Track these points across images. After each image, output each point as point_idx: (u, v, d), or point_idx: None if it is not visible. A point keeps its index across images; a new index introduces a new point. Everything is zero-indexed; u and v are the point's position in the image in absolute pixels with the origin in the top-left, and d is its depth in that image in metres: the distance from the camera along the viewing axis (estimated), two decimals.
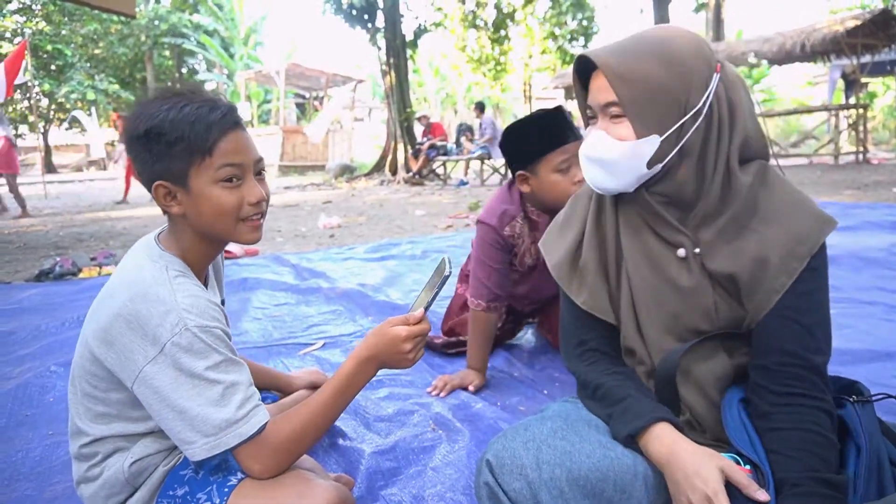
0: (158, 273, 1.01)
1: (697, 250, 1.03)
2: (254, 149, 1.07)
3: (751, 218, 1.01)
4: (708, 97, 0.98)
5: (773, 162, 1.06)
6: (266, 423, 1.01)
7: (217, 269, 1.25)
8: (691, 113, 0.98)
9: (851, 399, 1.01)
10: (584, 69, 1.05)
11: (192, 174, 1.01)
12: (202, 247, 1.09)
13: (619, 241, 1.11)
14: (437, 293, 1.08)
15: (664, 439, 0.96)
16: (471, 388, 1.83)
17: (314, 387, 1.56)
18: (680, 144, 0.99)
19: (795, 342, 0.97)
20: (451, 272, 1.06)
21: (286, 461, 1.04)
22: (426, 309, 1.09)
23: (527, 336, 2.37)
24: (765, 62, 12.58)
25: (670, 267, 1.05)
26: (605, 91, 1.00)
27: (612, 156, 1.01)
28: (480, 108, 11.60)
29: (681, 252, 1.04)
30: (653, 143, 0.98)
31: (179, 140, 0.99)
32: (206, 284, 1.16)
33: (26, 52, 9.89)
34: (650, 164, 1.00)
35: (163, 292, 0.98)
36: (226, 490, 1.05)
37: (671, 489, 0.94)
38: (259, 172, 1.08)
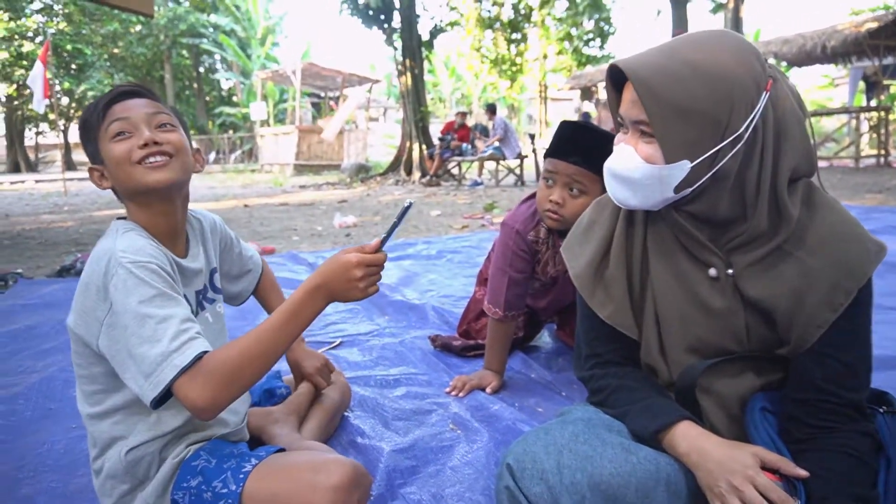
0: (110, 236, 1.08)
1: (730, 271, 0.99)
2: (148, 106, 1.10)
3: (794, 246, 0.95)
4: (752, 121, 0.90)
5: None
6: (203, 353, 0.96)
7: (205, 238, 1.28)
8: (730, 139, 0.90)
9: (881, 410, 0.99)
10: (619, 74, 0.98)
11: (100, 148, 1.10)
12: (142, 213, 1.13)
13: (645, 257, 1.07)
14: (396, 224, 1.02)
15: (690, 434, 0.95)
16: (488, 389, 1.82)
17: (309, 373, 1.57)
18: (713, 170, 0.92)
19: (835, 381, 0.94)
20: (411, 204, 1.02)
21: (225, 391, 0.96)
22: (383, 241, 1.03)
23: (544, 338, 2.36)
24: (784, 63, 12.44)
25: (701, 287, 1.01)
26: (636, 106, 0.93)
27: (636, 176, 0.95)
28: (492, 109, 11.56)
29: (712, 272, 1.00)
30: (682, 168, 0.91)
31: (86, 122, 1.11)
32: (185, 250, 1.19)
33: (48, 51, 10.11)
34: (678, 189, 0.94)
35: (107, 246, 1.03)
36: (241, 476, 1.06)
37: (704, 480, 0.92)
38: (163, 125, 1.10)
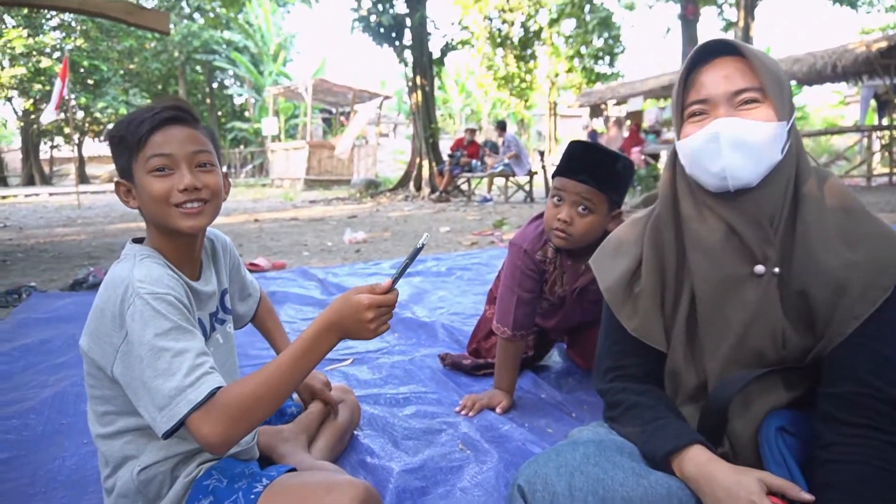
0: (126, 261, 1.08)
1: (777, 270, 1.01)
2: (190, 142, 1.09)
3: (836, 242, 0.98)
4: (794, 112, 1.01)
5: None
6: (217, 388, 0.97)
7: (216, 258, 1.29)
8: (792, 117, 1.00)
9: None
10: (693, 65, 1.04)
11: (134, 169, 1.09)
12: (164, 239, 1.13)
13: (680, 264, 1.09)
14: (407, 265, 1.04)
15: (699, 459, 0.96)
16: (498, 409, 1.81)
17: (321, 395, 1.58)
18: (787, 141, 1.00)
19: (872, 372, 0.94)
20: (423, 245, 1.02)
21: (238, 427, 0.97)
22: (395, 281, 1.04)
23: (554, 357, 2.35)
24: (794, 82, 12.43)
25: (744, 285, 1.02)
26: (737, 78, 0.99)
27: (758, 137, 0.97)
28: (502, 126, 11.61)
29: (759, 269, 1.01)
30: (785, 128, 0.99)
31: (121, 139, 1.08)
32: (199, 273, 1.20)
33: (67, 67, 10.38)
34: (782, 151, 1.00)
35: (124, 273, 1.04)
36: (252, 496, 1.06)
37: None
38: (202, 164, 1.10)
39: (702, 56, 1.03)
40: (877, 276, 0.95)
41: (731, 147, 0.98)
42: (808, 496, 0.89)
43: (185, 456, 1.12)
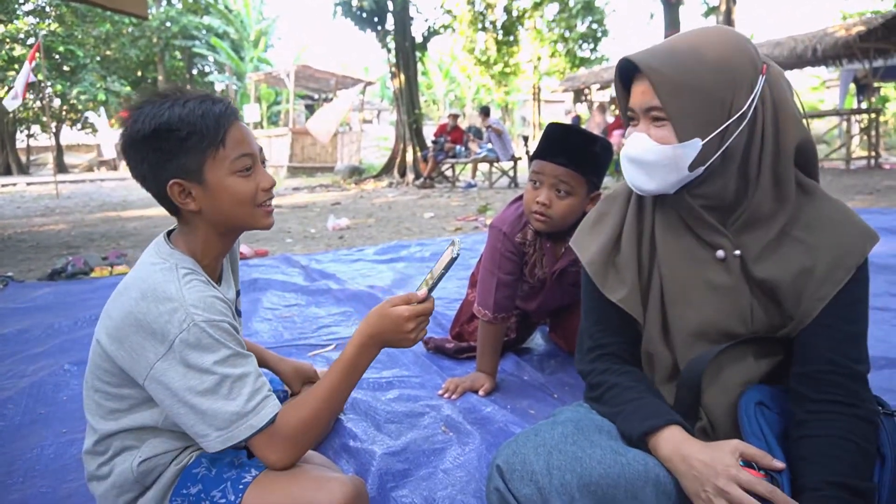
0: (168, 271, 1.03)
1: (738, 252, 1.02)
2: (255, 138, 1.11)
3: (795, 227, 1.00)
4: (753, 100, 0.96)
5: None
6: (276, 413, 1.03)
7: (233, 259, 1.26)
8: (735, 116, 0.96)
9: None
10: (627, 71, 1.05)
11: (207, 168, 1.03)
12: (216, 241, 1.11)
13: (653, 242, 1.11)
14: (443, 275, 1.06)
15: (675, 439, 0.97)
16: (481, 392, 1.82)
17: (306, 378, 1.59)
18: (723, 147, 0.98)
19: (838, 351, 0.97)
20: (458, 255, 1.04)
21: (301, 449, 1.06)
22: (431, 289, 1.08)
23: (536, 340, 2.36)
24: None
25: (707, 268, 1.04)
26: (647, 95, 0.99)
27: (652, 158, 1.00)
28: (485, 112, 11.57)
29: (720, 253, 1.03)
30: (694, 146, 0.97)
31: (192, 134, 1.00)
32: (220, 278, 1.17)
33: (38, 53, 10.09)
34: (692, 167, 0.99)
35: (171, 290, 1.00)
36: (240, 487, 1.06)
37: (690, 488, 0.93)
38: (262, 161, 1.12)
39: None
40: (840, 259, 0.97)
41: (630, 163, 1.05)
42: (779, 464, 0.92)
43: (184, 448, 1.12)
